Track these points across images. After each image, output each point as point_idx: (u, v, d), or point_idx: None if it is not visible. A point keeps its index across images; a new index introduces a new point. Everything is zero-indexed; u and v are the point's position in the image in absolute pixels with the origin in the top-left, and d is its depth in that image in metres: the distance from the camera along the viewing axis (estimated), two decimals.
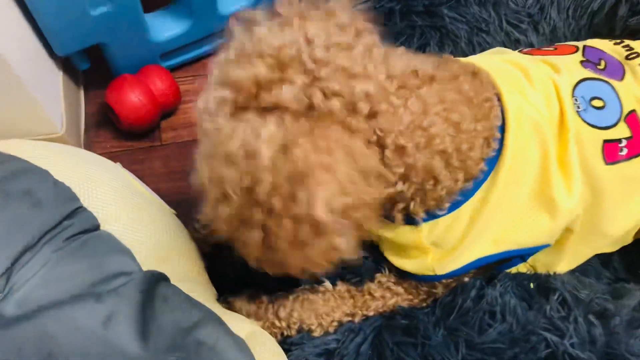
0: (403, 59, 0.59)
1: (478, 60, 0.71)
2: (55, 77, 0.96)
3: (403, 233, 0.69)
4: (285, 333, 0.75)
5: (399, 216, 0.63)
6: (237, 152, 0.49)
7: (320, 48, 0.51)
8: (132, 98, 0.99)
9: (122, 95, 0.98)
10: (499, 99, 0.66)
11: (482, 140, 0.63)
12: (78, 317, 0.56)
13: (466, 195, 0.66)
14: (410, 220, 0.65)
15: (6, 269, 0.57)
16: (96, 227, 0.67)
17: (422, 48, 0.90)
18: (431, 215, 0.67)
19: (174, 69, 1.13)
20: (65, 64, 1.02)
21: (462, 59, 0.71)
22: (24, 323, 0.54)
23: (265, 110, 0.50)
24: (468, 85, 0.63)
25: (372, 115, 0.53)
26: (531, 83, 0.70)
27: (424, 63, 0.62)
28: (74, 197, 0.67)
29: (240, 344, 0.63)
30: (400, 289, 0.76)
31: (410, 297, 0.76)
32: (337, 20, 0.55)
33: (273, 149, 0.48)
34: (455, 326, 0.68)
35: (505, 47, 0.96)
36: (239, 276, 0.84)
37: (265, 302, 0.78)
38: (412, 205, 0.62)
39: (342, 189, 0.49)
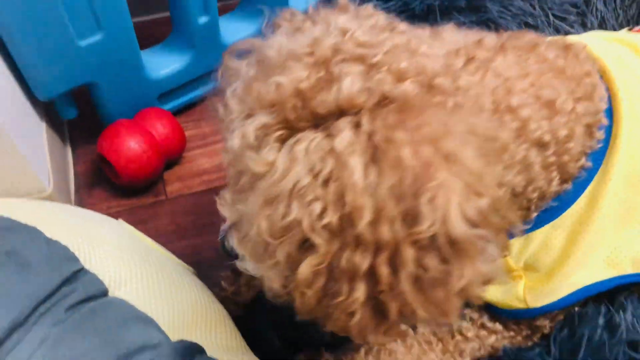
0: (458, 33, 0.51)
1: (570, 38, 0.62)
2: (38, 128, 0.85)
3: None
4: None
5: None
6: (310, 181, 0.38)
7: (361, 32, 0.42)
8: (130, 145, 0.87)
9: (119, 142, 0.87)
10: (603, 78, 0.56)
11: (583, 127, 0.54)
12: None
13: (564, 201, 0.56)
14: None
15: None
16: (104, 293, 0.55)
17: None
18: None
19: (174, 113, 1.03)
20: (49, 112, 0.91)
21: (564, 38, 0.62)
22: None
23: (322, 124, 0.39)
24: (556, 55, 0.54)
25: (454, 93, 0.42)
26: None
27: (487, 35, 0.53)
28: (72, 258, 0.55)
29: None
30: (498, 326, 0.65)
31: (512, 333, 0.64)
32: (368, 19, 0.46)
33: (363, 159, 0.37)
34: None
35: None
36: (283, 336, 0.70)
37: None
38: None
39: (475, 184, 0.37)
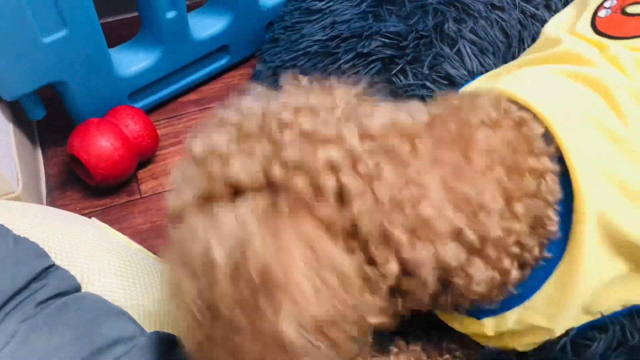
0: (387, 112, 0.48)
1: (530, 89, 0.56)
2: (5, 129, 0.83)
3: (467, 324, 0.58)
4: None
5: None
6: (194, 257, 0.40)
7: (288, 110, 0.44)
8: (101, 143, 0.86)
9: (89, 141, 0.86)
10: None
11: (528, 224, 0.50)
12: None
13: (529, 288, 0.53)
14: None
15: None
16: (76, 289, 0.54)
17: (438, 28, 0.83)
18: (487, 311, 0.55)
19: (146, 111, 1.02)
20: (16, 113, 0.89)
21: (506, 91, 0.55)
22: None
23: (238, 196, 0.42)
24: (494, 144, 0.49)
25: (339, 193, 0.41)
26: (620, 114, 0.55)
27: (418, 112, 0.49)
28: (42, 254, 0.55)
29: None
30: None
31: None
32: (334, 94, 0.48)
33: (228, 249, 0.39)
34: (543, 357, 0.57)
35: (522, 24, 0.89)
36: None
37: None
38: (443, 298, 0.50)
39: (313, 299, 0.39)
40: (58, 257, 0.55)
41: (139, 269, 0.61)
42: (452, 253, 0.45)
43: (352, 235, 0.42)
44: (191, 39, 0.99)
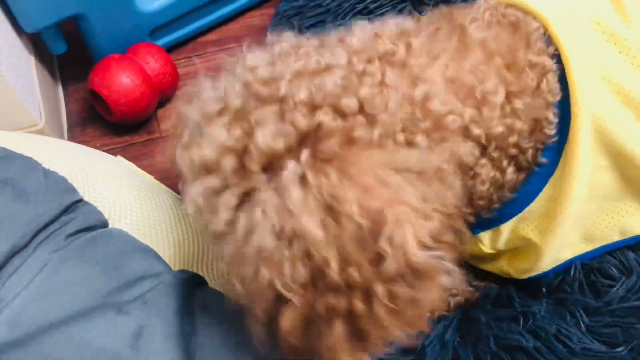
0: (367, 28, 0.47)
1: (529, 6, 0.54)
2: (27, 62, 0.83)
3: None
4: None
5: None
6: (273, 243, 0.38)
7: (264, 68, 0.42)
8: (122, 79, 0.86)
9: (110, 77, 0.85)
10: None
11: (528, 123, 0.50)
12: (96, 336, 0.43)
13: (524, 195, 0.54)
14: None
15: None
16: (104, 224, 0.55)
17: None
18: (485, 224, 0.56)
19: (166, 49, 1.00)
20: (37, 47, 0.89)
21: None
22: (19, 351, 0.41)
23: (268, 174, 0.40)
24: (489, 35, 0.49)
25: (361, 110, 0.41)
26: (625, 17, 0.54)
27: (402, 21, 0.49)
28: (71, 188, 0.55)
29: None
30: (480, 282, 0.66)
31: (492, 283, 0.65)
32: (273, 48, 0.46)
33: (318, 216, 0.37)
34: (557, 297, 0.60)
35: None
36: None
37: None
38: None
39: (420, 212, 0.39)
40: (86, 193, 0.56)
41: (164, 209, 0.61)
42: (466, 150, 0.46)
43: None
44: None
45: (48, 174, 0.55)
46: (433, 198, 0.40)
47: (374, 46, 0.44)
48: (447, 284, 0.40)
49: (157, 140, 0.95)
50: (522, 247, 0.57)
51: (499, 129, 0.47)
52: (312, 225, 0.37)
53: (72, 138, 0.94)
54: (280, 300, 0.40)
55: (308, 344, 0.42)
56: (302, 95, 0.39)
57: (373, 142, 0.40)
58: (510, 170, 0.51)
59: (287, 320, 0.40)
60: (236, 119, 0.40)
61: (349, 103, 0.40)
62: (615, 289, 0.57)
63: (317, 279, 0.39)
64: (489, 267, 0.62)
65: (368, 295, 0.39)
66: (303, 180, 0.38)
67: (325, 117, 0.39)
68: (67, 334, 0.42)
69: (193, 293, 0.51)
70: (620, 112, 0.51)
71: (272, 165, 0.39)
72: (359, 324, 0.41)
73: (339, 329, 0.40)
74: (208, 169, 0.40)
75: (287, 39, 0.46)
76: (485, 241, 0.58)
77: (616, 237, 0.56)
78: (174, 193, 0.71)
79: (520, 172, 0.52)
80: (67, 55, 0.94)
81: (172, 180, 0.89)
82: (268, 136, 0.38)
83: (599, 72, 0.51)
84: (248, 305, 0.42)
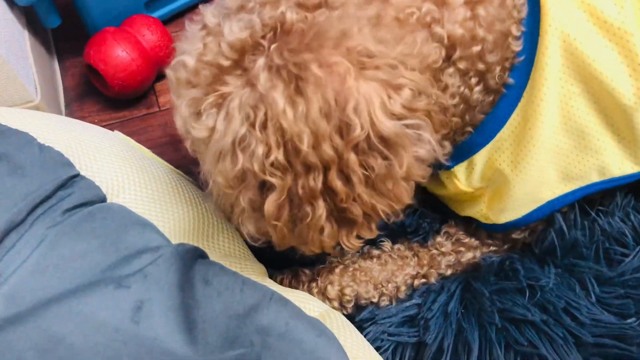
0: None
1: None
2: (20, 36, 0.81)
3: (444, 183, 0.60)
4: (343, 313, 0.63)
5: None
6: (247, 129, 0.42)
7: None
8: (118, 52, 0.84)
9: (107, 51, 0.84)
10: None
11: (493, 34, 0.49)
12: (95, 310, 0.43)
13: (494, 121, 0.54)
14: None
15: None
16: (102, 199, 0.54)
17: None
18: (459, 154, 0.56)
19: (163, 22, 0.98)
20: (31, 21, 0.87)
21: None
22: (18, 326, 0.40)
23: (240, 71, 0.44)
24: None
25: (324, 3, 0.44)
26: None
27: None
28: (67, 163, 0.54)
29: (318, 327, 0.49)
30: (474, 241, 0.65)
31: (492, 248, 0.64)
32: None
33: (286, 93, 0.41)
34: (570, 263, 0.59)
35: None
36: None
37: (306, 281, 0.64)
38: None
39: (391, 79, 0.41)
40: (83, 168, 0.55)
41: (162, 183, 0.61)
42: (429, 49, 0.46)
43: None
44: None
45: (44, 148, 0.54)
46: (404, 62, 0.42)
47: None
48: (421, 153, 0.43)
49: (156, 114, 0.94)
50: (498, 184, 0.56)
51: (459, 31, 0.48)
52: (281, 101, 0.40)
53: (69, 113, 0.93)
54: (262, 188, 0.44)
55: (294, 229, 0.45)
56: None
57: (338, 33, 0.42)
58: (478, 88, 0.51)
59: (271, 204, 0.43)
60: (211, 33, 0.44)
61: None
62: (629, 258, 0.56)
63: (292, 159, 0.42)
64: (470, 212, 0.61)
65: (344, 171, 0.42)
66: (270, 62, 0.41)
67: (289, 11, 0.42)
68: (66, 308, 0.42)
69: (193, 266, 0.51)
70: (592, 34, 0.50)
71: (243, 63, 0.42)
72: (340, 203, 0.43)
73: (320, 209, 0.43)
74: (190, 82, 0.45)
75: None
76: (460, 176, 0.58)
77: (595, 178, 0.55)
78: (172, 167, 0.70)
79: (488, 94, 0.52)
80: (62, 29, 0.92)
81: (170, 154, 0.89)
82: (235, 28, 0.42)
83: None
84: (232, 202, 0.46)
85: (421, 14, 0.46)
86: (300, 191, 0.43)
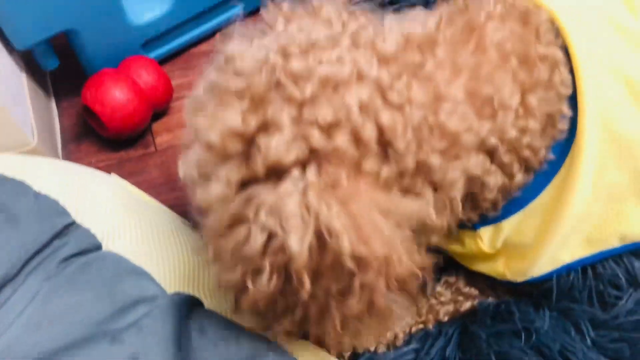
0: (395, 27, 0.46)
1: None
2: (18, 80, 0.82)
3: (465, 240, 0.58)
4: None
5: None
6: (259, 247, 0.39)
7: (297, 57, 0.41)
8: (115, 94, 0.85)
9: (104, 92, 0.85)
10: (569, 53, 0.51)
11: (540, 120, 0.49)
12: None
13: (529, 192, 0.53)
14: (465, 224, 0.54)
15: None
16: (97, 247, 0.54)
17: None
18: (487, 220, 0.55)
19: (159, 61, 1.00)
20: (29, 64, 0.88)
21: None
22: None
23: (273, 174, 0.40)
24: (504, 36, 0.48)
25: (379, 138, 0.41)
26: (632, 8, 0.54)
27: (426, 21, 0.48)
28: (63, 212, 0.55)
29: None
30: (473, 291, 0.65)
31: (491, 298, 0.64)
32: (323, 14, 0.46)
33: (307, 240, 0.38)
34: (565, 306, 0.59)
35: None
36: None
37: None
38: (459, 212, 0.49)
39: (401, 261, 0.40)
40: (78, 215, 0.55)
41: (158, 228, 0.61)
42: (477, 163, 0.46)
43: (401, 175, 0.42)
44: None
45: (39, 197, 0.54)
46: (416, 248, 0.42)
47: (404, 56, 0.43)
48: (394, 323, 0.44)
49: (153, 155, 0.94)
50: (520, 247, 0.56)
51: (513, 133, 0.47)
52: (296, 244, 0.37)
53: (66, 154, 0.93)
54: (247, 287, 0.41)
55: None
56: (325, 111, 0.38)
57: (380, 181, 0.40)
58: (520, 175, 0.50)
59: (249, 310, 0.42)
60: (254, 106, 0.40)
61: (369, 130, 0.39)
62: (623, 301, 0.56)
63: (286, 290, 0.40)
64: (483, 268, 0.61)
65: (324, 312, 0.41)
66: (303, 198, 0.38)
67: (341, 139, 0.38)
68: None
69: (189, 315, 0.50)
70: (628, 105, 0.51)
71: (275, 168, 0.39)
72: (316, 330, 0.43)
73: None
74: (212, 146, 0.40)
75: (328, 12, 0.46)
76: (485, 239, 0.57)
77: (616, 243, 0.55)
78: (169, 209, 0.71)
79: (529, 173, 0.52)
80: (60, 69, 0.93)
81: (166, 194, 0.89)
82: (280, 146, 0.38)
83: (607, 63, 0.50)
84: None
85: (479, 137, 0.45)
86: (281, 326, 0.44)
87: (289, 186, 0.38)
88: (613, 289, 0.58)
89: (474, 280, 0.64)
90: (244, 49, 0.43)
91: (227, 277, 0.41)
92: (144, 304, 0.48)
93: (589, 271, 0.58)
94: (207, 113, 0.41)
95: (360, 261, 0.38)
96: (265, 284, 0.39)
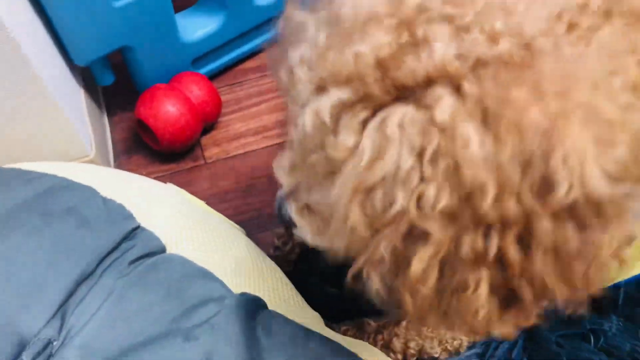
0: None
1: None
2: (78, 94, 0.85)
3: None
4: None
5: None
6: (414, 162, 0.32)
7: None
8: (168, 108, 0.87)
9: (157, 106, 0.87)
10: None
11: None
12: None
13: None
14: None
15: (59, 307, 0.44)
16: (162, 250, 0.54)
17: None
18: None
19: (208, 77, 1.02)
20: (85, 79, 0.91)
21: None
22: None
23: (408, 96, 0.33)
24: None
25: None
26: None
27: None
28: (129, 216, 0.55)
29: None
30: None
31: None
32: None
33: (475, 126, 0.31)
34: (630, 312, 0.58)
35: None
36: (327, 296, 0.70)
37: (371, 332, 0.63)
38: None
39: (607, 132, 0.31)
40: (142, 220, 0.56)
41: (218, 233, 0.61)
42: None
43: None
44: (254, 4, 0.98)
45: (107, 202, 0.55)
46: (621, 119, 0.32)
47: (577, 16, 0.36)
48: (632, 230, 0.33)
49: (201, 167, 0.95)
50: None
51: None
52: (466, 138, 0.30)
53: (118, 166, 0.95)
54: (411, 236, 0.33)
55: (440, 300, 0.35)
56: (496, 25, 0.33)
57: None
58: None
59: (420, 261, 0.33)
60: (400, 27, 0.33)
61: (546, 45, 0.32)
62: None
63: (464, 210, 0.32)
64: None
65: (525, 238, 0.32)
66: (457, 91, 0.32)
67: (509, 47, 0.32)
68: None
69: (256, 317, 0.50)
70: None
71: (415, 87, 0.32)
72: (509, 279, 0.33)
73: (483, 282, 0.33)
74: (350, 77, 0.34)
75: None
76: None
77: None
78: (225, 218, 0.71)
79: None
80: (112, 86, 0.96)
81: (215, 206, 0.90)
82: (447, 53, 0.32)
83: None
84: (360, 252, 0.35)
85: None
86: (464, 252, 0.33)
87: (438, 89, 0.32)
88: None
89: None
90: None
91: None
92: (213, 303, 0.48)
93: None
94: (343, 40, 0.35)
95: (549, 131, 0.30)
96: (433, 206, 0.31)
